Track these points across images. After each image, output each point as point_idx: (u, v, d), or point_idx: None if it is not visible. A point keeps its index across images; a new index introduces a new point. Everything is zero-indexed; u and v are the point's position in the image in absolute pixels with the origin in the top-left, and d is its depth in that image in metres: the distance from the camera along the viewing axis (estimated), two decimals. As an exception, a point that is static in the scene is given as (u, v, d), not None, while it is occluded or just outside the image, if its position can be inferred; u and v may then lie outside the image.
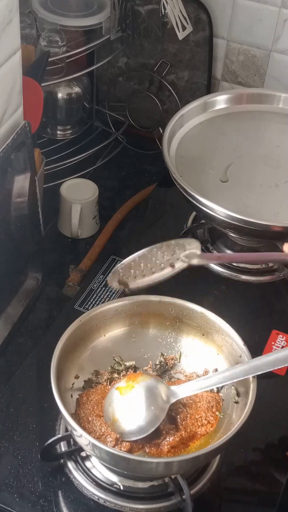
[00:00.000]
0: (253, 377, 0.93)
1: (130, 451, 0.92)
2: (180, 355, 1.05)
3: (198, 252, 0.97)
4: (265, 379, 1.05)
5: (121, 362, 1.03)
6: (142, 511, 0.94)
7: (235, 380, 0.95)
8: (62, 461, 0.99)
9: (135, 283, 0.97)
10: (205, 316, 1.02)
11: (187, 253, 0.97)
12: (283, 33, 1.46)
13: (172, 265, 0.98)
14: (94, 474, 0.97)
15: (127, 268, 0.96)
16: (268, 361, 0.94)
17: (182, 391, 0.95)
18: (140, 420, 0.91)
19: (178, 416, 0.96)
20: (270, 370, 0.93)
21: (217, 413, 0.97)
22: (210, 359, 1.02)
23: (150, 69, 1.58)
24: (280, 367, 0.94)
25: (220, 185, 1.24)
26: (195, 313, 1.03)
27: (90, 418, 0.95)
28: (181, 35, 1.46)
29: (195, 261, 0.97)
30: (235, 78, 1.56)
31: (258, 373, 0.93)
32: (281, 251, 1.28)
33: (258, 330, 1.17)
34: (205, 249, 1.32)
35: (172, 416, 0.95)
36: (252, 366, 0.94)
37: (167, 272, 0.98)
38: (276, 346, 1.16)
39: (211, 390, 1.00)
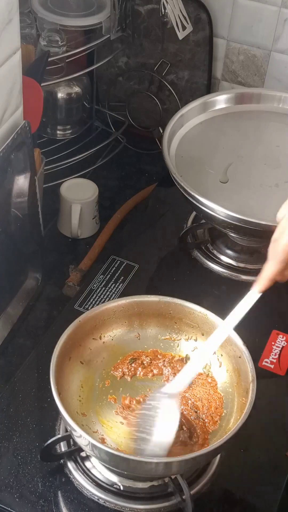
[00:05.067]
0: (253, 377, 0.93)
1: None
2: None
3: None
4: (265, 379, 1.05)
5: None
6: (142, 511, 0.94)
7: (217, 346, 0.97)
8: (62, 461, 0.99)
9: None
10: (205, 316, 1.02)
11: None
12: (283, 33, 1.46)
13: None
14: (94, 474, 0.97)
15: None
16: (236, 312, 0.96)
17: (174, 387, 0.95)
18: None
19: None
20: (241, 318, 0.96)
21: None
22: (210, 359, 1.02)
23: (150, 69, 1.57)
24: (247, 309, 0.96)
25: (220, 185, 1.24)
26: (195, 313, 1.03)
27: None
28: (181, 34, 1.46)
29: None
30: (235, 78, 1.56)
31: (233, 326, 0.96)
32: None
33: (258, 330, 1.16)
34: (205, 249, 1.32)
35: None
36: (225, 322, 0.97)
37: None
38: (276, 346, 1.16)
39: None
